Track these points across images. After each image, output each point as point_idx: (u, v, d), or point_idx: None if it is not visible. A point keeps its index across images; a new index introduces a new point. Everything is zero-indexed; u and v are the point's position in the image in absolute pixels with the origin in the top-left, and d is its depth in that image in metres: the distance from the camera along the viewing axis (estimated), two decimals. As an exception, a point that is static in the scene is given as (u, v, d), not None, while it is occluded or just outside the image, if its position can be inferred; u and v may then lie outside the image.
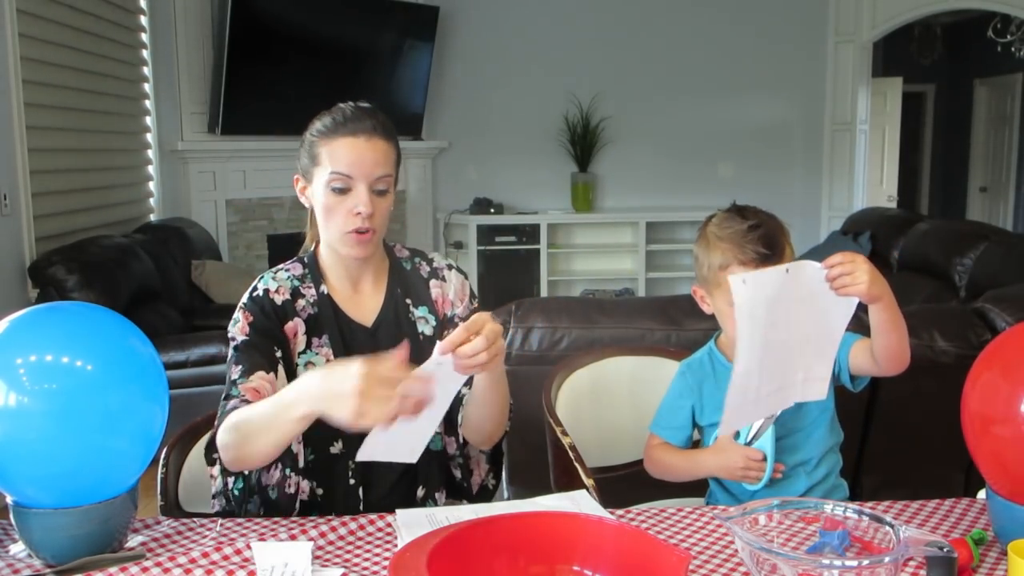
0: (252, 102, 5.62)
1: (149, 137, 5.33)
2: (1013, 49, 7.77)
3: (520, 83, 7.17)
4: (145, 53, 5.28)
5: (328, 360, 1.61)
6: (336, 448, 1.61)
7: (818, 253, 5.99)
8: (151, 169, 5.37)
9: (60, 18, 4.23)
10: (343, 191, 1.57)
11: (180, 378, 3.56)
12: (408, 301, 1.70)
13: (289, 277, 1.66)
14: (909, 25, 7.80)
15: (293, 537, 1.36)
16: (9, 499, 1.31)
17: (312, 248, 1.71)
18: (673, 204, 7.35)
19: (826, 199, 7.40)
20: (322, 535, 1.38)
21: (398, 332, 1.64)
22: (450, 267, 1.77)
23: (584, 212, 7.26)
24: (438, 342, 1.33)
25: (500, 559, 1.17)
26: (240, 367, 1.54)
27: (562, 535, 1.19)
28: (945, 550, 1.06)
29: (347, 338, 1.65)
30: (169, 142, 5.43)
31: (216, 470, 1.53)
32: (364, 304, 1.68)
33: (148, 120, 5.32)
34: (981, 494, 1.45)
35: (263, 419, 1.39)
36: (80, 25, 4.43)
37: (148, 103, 5.32)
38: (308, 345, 1.62)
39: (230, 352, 1.59)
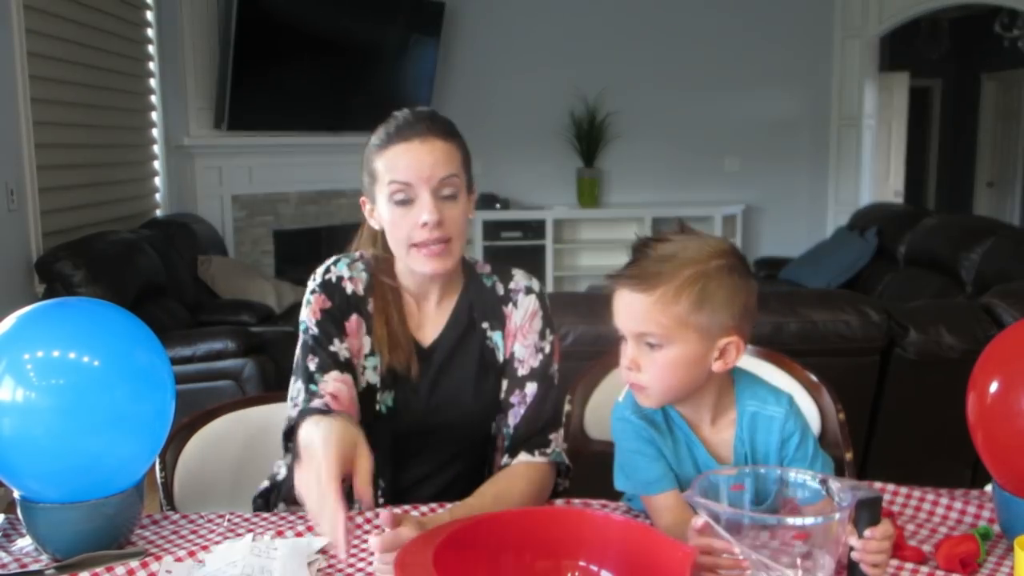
0: (258, 97, 5.62)
1: (155, 132, 5.34)
2: (1020, 44, 7.74)
3: (525, 78, 7.16)
4: (151, 48, 5.28)
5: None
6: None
7: (825, 249, 5.97)
8: (157, 164, 5.38)
9: (66, 14, 4.23)
10: (407, 202, 1.45)
11: (186, 373, 3.56)
12: (485, 325, 1.58)
13: (365, 269, 1.56)
14: (916, 20, 7.76)
15: (299, 535, 1.36)
16: (16, 494, 1.31)
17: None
18: (679, 199, 7.33)
19: (832, 194, 7.37)
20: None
21: (455, 357, 1.56)
22: (528, 290, 1.60)
23: (590, 207, 7.25)
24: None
25: (506, 554, 1.17)
26: (316, 359, 1.47)
27: (568, 530, 1.19)
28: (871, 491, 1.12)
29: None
30: (175, 137, 5.44)
31: (288, 460, 1.50)
32: (424, 321, 1.57)
33: (154, 115, 5.33)
34: (988, 488, 1.44)
35: None
36: (86, 20, 4.43)
37: (154, 98, 5.32)
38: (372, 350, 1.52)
39: (302, 336, 1.51)
